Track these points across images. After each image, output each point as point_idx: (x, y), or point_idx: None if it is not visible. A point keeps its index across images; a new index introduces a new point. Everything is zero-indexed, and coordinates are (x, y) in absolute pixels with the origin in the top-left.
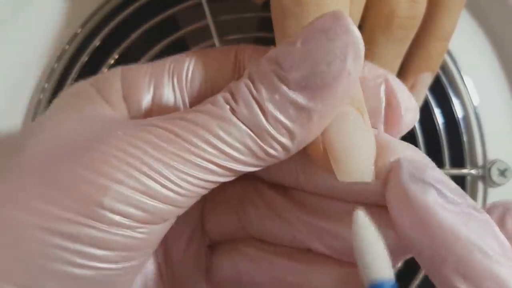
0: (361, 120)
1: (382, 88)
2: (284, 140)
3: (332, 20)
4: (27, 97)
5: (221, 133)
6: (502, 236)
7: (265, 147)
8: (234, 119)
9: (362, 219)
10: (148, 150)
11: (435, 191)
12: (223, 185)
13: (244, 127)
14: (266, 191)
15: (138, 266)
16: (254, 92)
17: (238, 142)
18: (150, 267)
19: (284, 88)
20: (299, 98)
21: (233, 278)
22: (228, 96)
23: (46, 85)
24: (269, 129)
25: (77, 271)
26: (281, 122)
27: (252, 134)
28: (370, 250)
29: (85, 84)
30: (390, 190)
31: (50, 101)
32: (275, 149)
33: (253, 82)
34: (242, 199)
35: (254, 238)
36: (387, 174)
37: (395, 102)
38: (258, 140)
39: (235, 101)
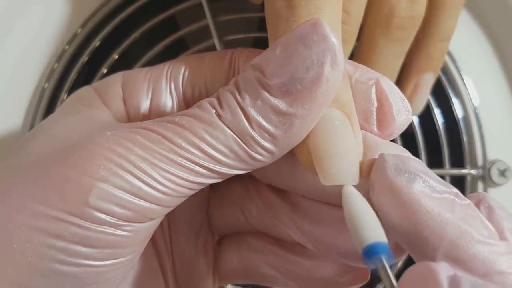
0: (347, 123)
1: (373, 89)
2: (268, 145)
3: (310, 27)
4: (27, 97)
5: (206, 136)
6: (486, 220)
7: (250, 151)
8: (220, 123)
9: (351, 190)
10: (134, 149)
11: (421, 180)
12: (226, 182)
13: (229, 131)
14: (264, 190)
15: (125, 264)
16: (239, 98)
17: (222, 145)
18: (154, 265)
19: (266, 94)
20: (280, 104)
21: (240, 270)
22: (215, 101)
23: (46, 85)
24: (253, 134)
25: (64, 268)
26: (263, 128)
27: (237, 138)
28: (360, 218)
29: (88, 89)
30: (376, 185)
31: (50, 101)
32: (259, 153)
33: (238, 89)
34: (244, 197)
35: (259, 231)
36: (371, 171)
37: (387, 103)
38: (243, 144)
39: (221, 106)
